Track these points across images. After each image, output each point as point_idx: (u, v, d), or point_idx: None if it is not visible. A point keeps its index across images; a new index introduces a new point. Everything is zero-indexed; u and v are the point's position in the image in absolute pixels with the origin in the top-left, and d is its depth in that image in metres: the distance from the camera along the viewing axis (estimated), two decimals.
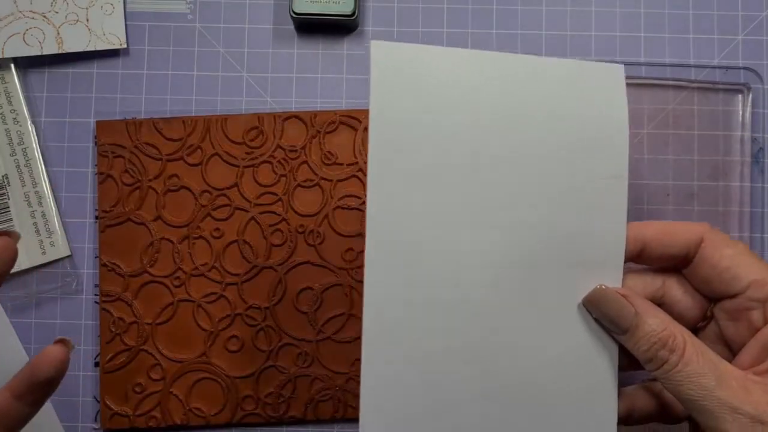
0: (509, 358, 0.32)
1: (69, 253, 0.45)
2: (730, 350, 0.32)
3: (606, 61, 0.34)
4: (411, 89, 0.31)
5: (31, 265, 0.44)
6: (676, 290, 0.33)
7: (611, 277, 0.32)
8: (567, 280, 0.32)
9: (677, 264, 0.33)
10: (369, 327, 0.31)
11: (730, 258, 0.31)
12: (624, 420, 0.33)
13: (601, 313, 0.32)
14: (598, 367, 0.32)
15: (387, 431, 0.31)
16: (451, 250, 0.31)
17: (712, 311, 0.33)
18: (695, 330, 0.34)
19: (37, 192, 0.45)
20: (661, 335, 0.29)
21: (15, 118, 0.45)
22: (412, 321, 0.31)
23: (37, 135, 0.45)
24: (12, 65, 0.45)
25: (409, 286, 0.31)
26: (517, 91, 0.32)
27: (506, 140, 0.32)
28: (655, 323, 0.30)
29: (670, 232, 0.32)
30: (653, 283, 0.33)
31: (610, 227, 0.32)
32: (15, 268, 0.44)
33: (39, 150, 0.45)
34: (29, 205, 0.44)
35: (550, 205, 0.32)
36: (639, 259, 0.33)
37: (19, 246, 0.44)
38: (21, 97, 0.45)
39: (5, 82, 0.45)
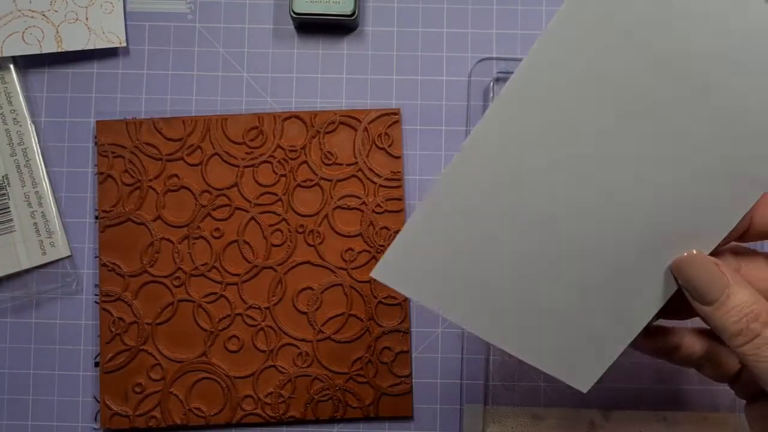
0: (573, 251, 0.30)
1: (69, 253, 0.45)
2: None
3: None
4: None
5: (31, 265, 0.44)
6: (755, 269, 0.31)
7: (705, 245, 0.30)
8: (661, 239, 0.30)
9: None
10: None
11: None
12: (669, 353, 0.32)
13: (687, 279, 0.30)
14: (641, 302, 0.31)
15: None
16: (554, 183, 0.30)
17: None
18: None
19: (37, 192, 0.45)
20: (753, 308, 0.29)
21: (15, 118, 0.45)
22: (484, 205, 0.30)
23: (37, 135, 0.45)
24: (12, 65, 0.45)
25: (495, 181, 0.30)
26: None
27: (668, 87, 0.29)
28: (746, 295, 0.29)
29: None
30: (733, 262, 0.32)
31: (731, 201, 0.29)
32: (15, 268, 0.44)
33: (39, 150, 0.45)
34: (29, 205, 0.44)
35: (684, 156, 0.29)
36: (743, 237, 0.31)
37: (19, 246, 0.44)
38: (21, 97, 0.45)
39: (5, 82, 0.45)
